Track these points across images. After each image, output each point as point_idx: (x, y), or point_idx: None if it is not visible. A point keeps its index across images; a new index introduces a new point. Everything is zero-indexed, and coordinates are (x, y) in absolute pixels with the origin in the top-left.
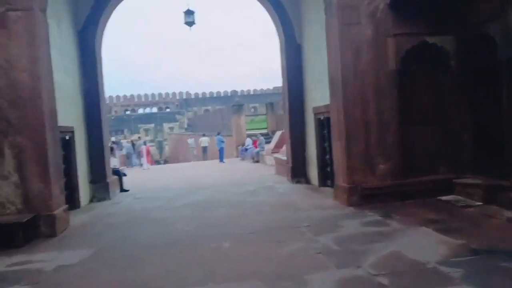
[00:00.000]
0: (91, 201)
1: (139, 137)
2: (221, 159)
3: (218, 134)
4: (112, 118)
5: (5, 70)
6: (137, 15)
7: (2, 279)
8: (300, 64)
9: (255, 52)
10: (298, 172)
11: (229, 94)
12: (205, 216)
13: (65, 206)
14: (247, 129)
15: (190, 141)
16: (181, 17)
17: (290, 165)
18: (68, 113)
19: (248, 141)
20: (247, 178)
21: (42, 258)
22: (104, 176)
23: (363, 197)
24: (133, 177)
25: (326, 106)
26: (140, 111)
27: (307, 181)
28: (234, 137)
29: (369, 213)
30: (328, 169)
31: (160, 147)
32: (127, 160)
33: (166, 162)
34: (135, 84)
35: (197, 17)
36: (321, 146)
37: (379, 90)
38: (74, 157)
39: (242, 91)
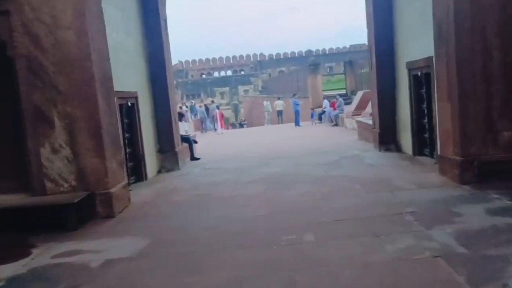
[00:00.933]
0: (159, 171)
1: (212, 101)
2: (296, 122)
3: (294, 96)
4: (189, 82)
5: (51, 28)
6: None
7: (41, 277)
8: (390, 9)
9: (331, 9)
10: (387, 138)
11: (303, 54)
12: (280, 195)
13: (125, 182)
14: (323, 90)
15: (266, 103)
16: None
17: (377, 130)
18: (131, 77)
19: (326, 103)
20: (327, 144)
21: (92, 248)
22: (172, 145)
23: (482, 173)
24: (206, 143)
25: (426, 59)
26: (216, 74)
27: (398, 149)
28: (310, 98)
29: (495, 196)
30: (426, 135)
31: (236, 110)
32: (201, 124)
33: (241, 125)
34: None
35: None
36: (417, 108)
37: (506, 33)
38: (138, 125)
39: (317, 50)
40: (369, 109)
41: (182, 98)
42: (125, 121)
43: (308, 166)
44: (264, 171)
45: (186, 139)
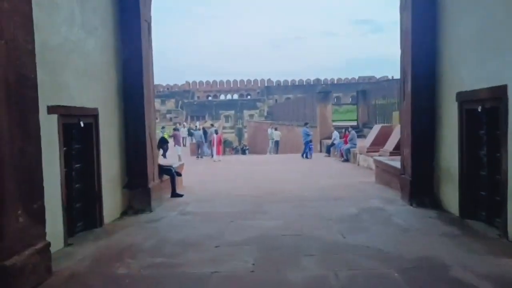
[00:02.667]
0: (124, 213)
1: (211, 124)
2: (305, 154)
3: (305, 125)
4: (194, 103)
5: None
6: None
7: None
8: (434, 25)
9: (340, 41)
10: (421, 189)
11: (311, 83)
12: (278, 281)
13: (42, 244)
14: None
15: (270, 131)
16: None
17: (408, 177)
18: (88, 88)
19: (335, 135)
20: (339, 186)
21: None
22: (144, 178)
23: None
24: (199, 171)
25: (493, 89)
26: (222, 97)
27: (436, 205)
28: (318, 129)
29: None
30: (484, 193)
31: (239, 135)
32: (197, 149)
33: (243, 151)
34: (217, 71)
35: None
36: (472, 154)
37: None
38: (95, 152)
39: (325, 79)
40: (389, 146)
41: (186, 119)
42: (75, 146)
43: (317, 220)
44: (258, 224)
45: (166, 171)
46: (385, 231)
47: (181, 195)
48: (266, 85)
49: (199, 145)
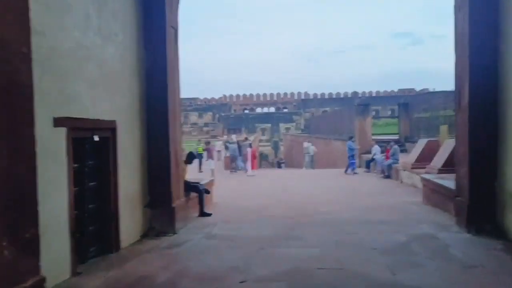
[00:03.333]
0: (145, 235)
1: (246, 138)
2: (351, 168)
3: (350, 139)
4: (231, 116)
5: None
6: (256, 18)
7: None
8: (495, 24)
9: (379, 54)
10: (480, 214)
11: (349, 95)
12: None
13: (33, 281)
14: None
15: (306, 145)
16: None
17: (464, 200)
18: (105, 99)
19: (376, 149)
20: (382, 207)
21: None
22: (168, 197)
23: None
24: (231, 187)
25: None
26: (258, 110)
27: (499, 233)
28: (357, 143)
29: None
30: None
31: (276, 148)
32: (231, 163)
33: (279, 165)
34: (253, 85)
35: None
36: None
37: None
38: (113, 169)
39: (363, 92)
40: (437, 163)
41: (223, 131)
42: (88, 163)
43: (359, 250)
44: (291, 253)
45: (194, 188)
46: (443, 267)
47: (209, 214)
48: (302, 98)
49: (233, 159)
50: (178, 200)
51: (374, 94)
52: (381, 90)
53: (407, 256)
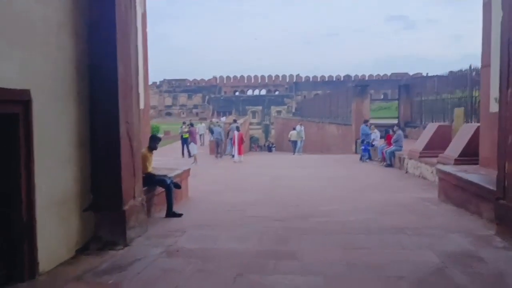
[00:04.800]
0: (85, 248)
1: (234, 120)
2: (364, 156)
3: (365, 122)
4: (221, 98)
5: None
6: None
7: None
8: None
9: (372, 38)
10: None
11: (341, 79)
12: None
13: None
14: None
15: (298, 128)
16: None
17: (500, 199)
18: (8, 57)
19: (375, 135)
20: (394, 205)
21: None
22: (117, 196)
23: None
24: (213, 177)
25: None
26: (249, 92)
27: None
28: (353, 127)
29: None
30: None
31: (266, 131)
32: (216, 148)
33: (269, 148)
34: (245, 67)
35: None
36: None
37: None
38: (25, 161)
39: (356, 75)
40: (452, 151)
41: (213, 114)
42: None
43: (378, 280)
44: (281, 283)
45: (160, 182)
46: None
47: (179, 215)
48: (294, 80)
49: (218, 144)
50: (133, 199)
51: (367, 78)
52: (374, 74)
53: None
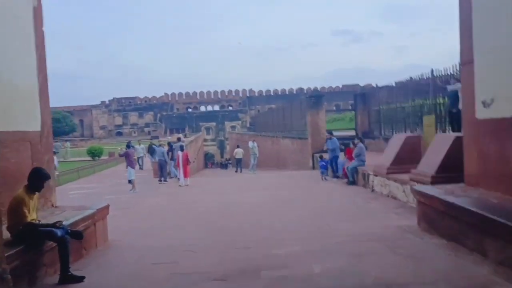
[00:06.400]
0: None
1: (178, 138)
2: (324, 173)
3: (330, 134)
4: (174, 115)
5: None
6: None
7: None
8: None
9: (321, 52)
10: None
11: (295, 92)
12: None
13: None
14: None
15: (251, 144)
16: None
17: None
18: None
19: (334, 143)
20: (370, 241)
21: None
22: None
23: None
24: (149, 205)
25: None
26: (202, 108)
27: None
28: (309, 140)
29: None
30: None
31: (221, 147)
32: (159, 171)
33: (225, 165)
34: (197, 83)
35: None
36: None
37: None
38: None
39: (309, 88)
40: (427, 167)
41: (165, 132)
42: None
43: None
44: None
45: (47, 235)
46: None
47: (79, 279)
48: (248, 95)
49: (161, 166)
50: None
51: (319, 90)
52: (326, 86)
53: None
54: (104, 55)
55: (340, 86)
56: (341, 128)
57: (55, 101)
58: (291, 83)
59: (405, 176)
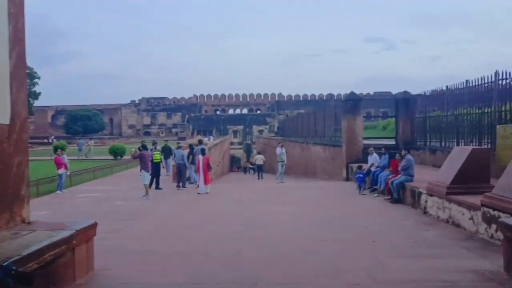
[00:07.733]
0: None
1: (199, 141)
2: (362, 186)
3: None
4: (202, 117)
5: None
6: (231, 23)
7: None
8: None
9: (353, 58)
10: None
11: (324, 98)
12: None
13: None
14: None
15: (279, 150)
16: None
17: None
18: None
19: (374, 158)
20: (433, 281)
21: None
22: None
23: None
24: (164, 218)
25: None
26: (230, 111)
27: None
28: (344, 149)
29: None
30: None
31: (248, 151)
32: (178, 177)
33: (251, 170)
34: (226, 88)
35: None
36: None
37: None
38: None
39: (339, 94)
40: (510, 191)
41: (193, 133)
42: None
43: None
44: None
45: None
46: None
47: None
48: (276, 99)
49: (180, 170)
50: None
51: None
52: (357, 92)
53: None
54: (137, 55)
55: (372, 93)
56: (375, 136)
57: (86, 99)
58: (321, 89)
59: (472, 199)
